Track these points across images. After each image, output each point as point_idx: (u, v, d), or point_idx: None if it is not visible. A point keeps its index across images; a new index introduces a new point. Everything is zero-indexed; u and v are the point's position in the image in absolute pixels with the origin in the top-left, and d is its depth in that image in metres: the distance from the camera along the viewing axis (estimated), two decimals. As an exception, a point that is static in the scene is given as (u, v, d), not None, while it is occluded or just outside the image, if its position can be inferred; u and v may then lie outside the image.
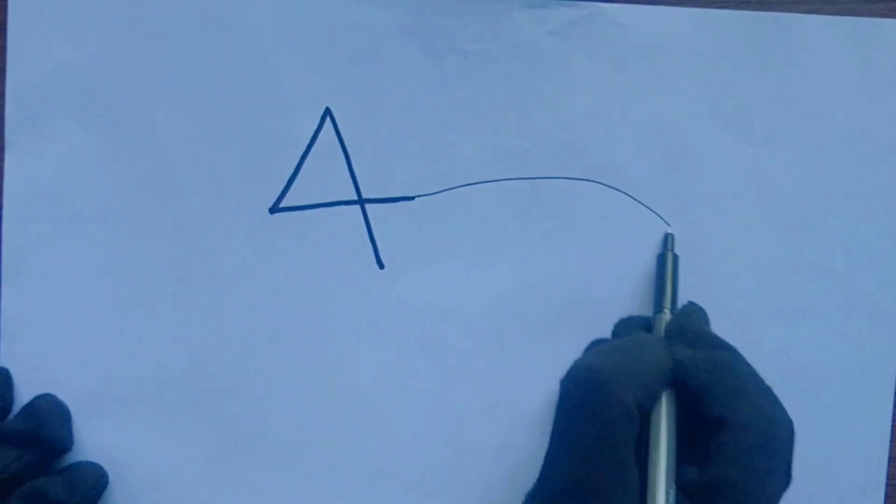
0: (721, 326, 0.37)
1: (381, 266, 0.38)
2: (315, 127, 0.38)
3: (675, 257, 0.36)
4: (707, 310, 0.35)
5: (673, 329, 0.32)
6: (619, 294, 0.37)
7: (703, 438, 0.29)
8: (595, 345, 0.35)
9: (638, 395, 0.29)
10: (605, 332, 0.36)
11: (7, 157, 0.37)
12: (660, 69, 0.38)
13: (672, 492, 0.29)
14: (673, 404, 0.31)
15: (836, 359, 0.37)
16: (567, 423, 0.29)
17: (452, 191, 0.38)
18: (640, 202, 0.38)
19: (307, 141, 0.38)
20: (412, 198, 0.38)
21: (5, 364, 0.37)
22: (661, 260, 0.36)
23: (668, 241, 0.36)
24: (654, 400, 0.30)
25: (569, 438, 0.29)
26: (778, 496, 0.29)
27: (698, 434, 0.30)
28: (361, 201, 0.38)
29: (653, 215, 0.38)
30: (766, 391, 0.30)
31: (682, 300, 0.35)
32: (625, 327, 0.35)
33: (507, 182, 0.38)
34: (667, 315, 0.34)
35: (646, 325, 0.35)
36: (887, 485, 0.37)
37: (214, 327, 0.37)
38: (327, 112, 0.38)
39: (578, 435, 0.29)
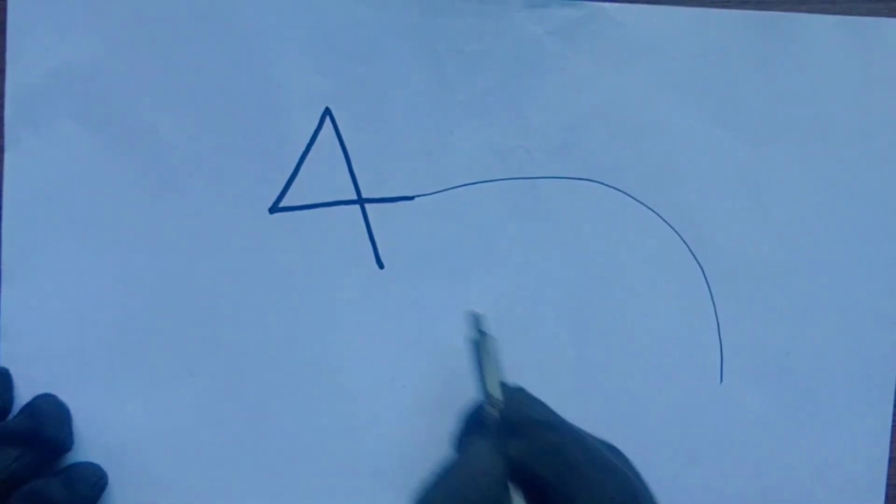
0: (721, 326, 0.37)
1: (381, 266, 0.38)
2: (315, 127, 0.38)
3: (492, 339, 0.33)
4: (707, 310, 0.35)
5: (502, 426, 0.32)
6: (619, 294, 0.37)
7: None
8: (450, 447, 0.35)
9: None
10: (605, 332, 0.36)
11: (7, 157, 0.37)
12: (660, 69, 0.38)
13: None
14: (521, 501, 0.30)
15: (836, 359, 0.37)
16: None
17: (452, 191, 0.38)
18: (640, 202, 0.38)
19: (307, 141, 0.38)
20: (412, 198, 0.38)
21: (5, 364, 0.37)
22: (475, 346, 0.33)
23: (477, 322, 0.34)
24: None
25: None
26: None
27: None
28: (361, 201, 0.38)
29: (653, 215, 0.38)
30: (595, 459, 0.30)
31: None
32: (465, 422, 0.34)
33: (506, 182, 0.38)
34: (494, 410, 0.32)
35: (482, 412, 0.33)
36: (887, 485, 0.37)
37: (214, 327, 0.37)
38: (327, 112, 0.38)
39: None
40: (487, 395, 0.32)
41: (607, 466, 0.30)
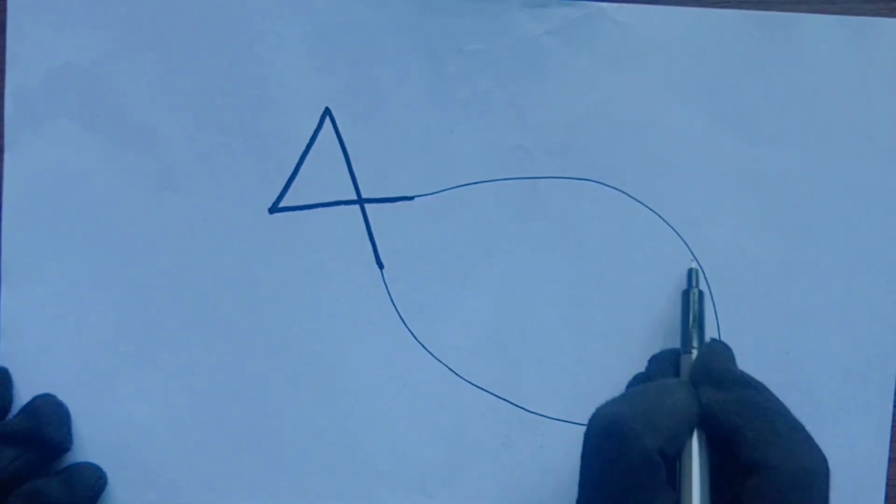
0: (721, 326, 0.37)
1: (381, 266, 0.38)
2: (315, 127, 0.38)
3: (701, 294, 0.35)
4: (707, 310, 0.35)
5: (698, 371, 0.32)
6: (619, 294, 0.37)
7: (737, 480, 0.29)
8: (631, 384, 0.35)
9: (660, 442, 0.29)
10: (605, 332, 0.36)
11: (7, 157, 0.37)
12: (660, 69, 0.38)
13: None
14: (704, 448, 0.30)
15: (836, 359, 0.37)
16: (591, 472, 0.29)
17: (452, 191, 0.38)
18: (640, 202, 0.38)
19: (307, 141, 0.38)
20: (411, 198, 0.38)
21: (5, 364, 0.37)
22: (685, 297, 0.35)
23: (692, 277, 0.35)
24: (680, 446, 0.30)
25: (594, 488, 0.29)
26: None
27: (733, 475, 0.30)
28: (361, 201, 0.38)
29: (653, 215, 0.38)
30: (798, 429, 0.30)
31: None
32: (656, 363, 0.34)
33: (507, 182, 0.38)
34: (693, 355, 0.33)
35: (677, 359, 0.34)
36: (887, 485, 0.37)
37: (214, 327, 0.37)
38: (327, 112, 0.38)
39: (603, 485, 0.29)
40: (688, 342, 0.33)
41: (807, 438, 0.30)
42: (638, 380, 0.35)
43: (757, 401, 0.30)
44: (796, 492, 0.28)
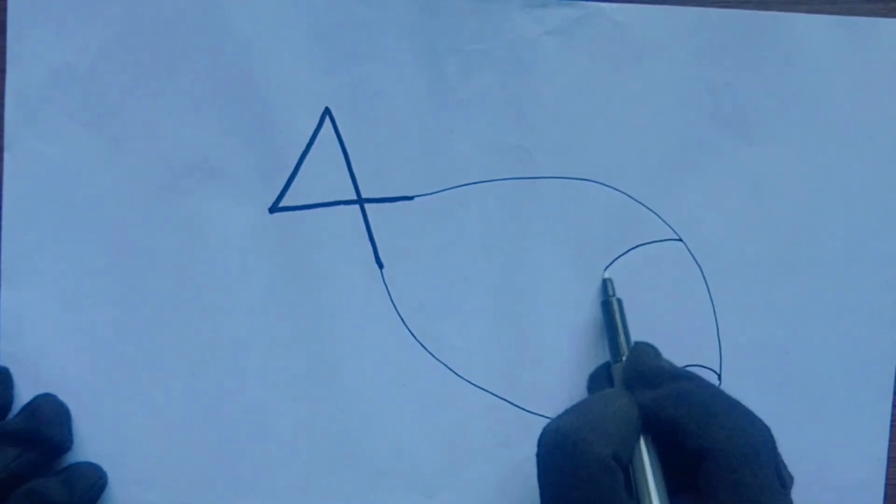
0: (721, 326, 0.37)
1: (381, 266, 0.38)
2: (315, 127, 0.38)
3: (619, 302, 0.36)
4: (707, 310, 0.35)
5: (630, 375, 0.33)
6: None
7: (689, 471, 0.30)
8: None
9: (612, 448, 0.29)
10: (604, 331, 0.36)
11: (7, 157, 0.37)
12: (660, 69, 0.38)
13: None
14: (653, 448, 0.31)
15: (836, 358, 0.37)
16: (550, 488, 0.30)
17: (452, 191, 0.38)
18: (640, 202, 0.38)
19: (307, 141, 0.38)
20: (411, 198, 0.38)
21: (5, 364, 0.37)
22: (605, 307, 0.36)
23: (608, 286, 0.36)
24: (630, 449, 0.30)
25: (556, 502, 0.29)
26: (783, 499, 0.29)
27: (684, 467, 0.30)
28: (361, 201, 0.38)
29: (653, 215, 0.38)
30: (734, 407, 0.30)
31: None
32: (594, 381, 0.36)
33: (506, 182, 0.38)
34: (619, 365, 0.34)
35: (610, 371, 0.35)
36: (887, 485, 0.37)
37: (214, 327, 0.37)
38: (327, 112, 0.38)
39: (564, 499, 0.29)
40: (617, 352, 0.34)
41: (745, 412, 0.30)
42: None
43: (688, 389, 0.31)
44: (746, 466, 0.28)
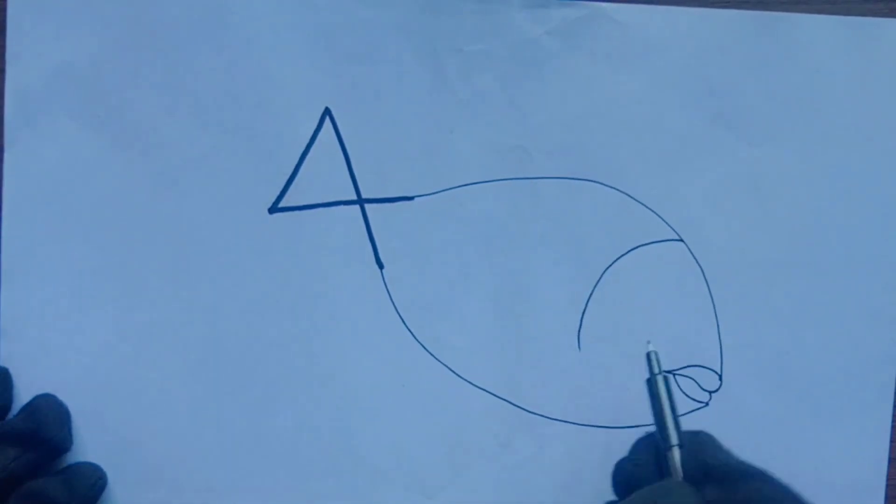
0: (721, 326, 0.37)
1: (381, 266, 0.38)
2: (315, 127, 0.38)
3: (666, 378, 0.32)
4: (707, 310, 0.35)
5: (693, 468, 0.31)
6: (619, 294, 0.37)
7: None
8: (617, 470, 0.33)
9: None
10: (605, 332, 0.36)
11: (7, 157, 0.37)
12: (660, 69, 0.38)
13: None
14: None
15: (836, 359, 0.37)
16: None
17: (452, 191, 0.38)
18: (640, 202, 0.38)
19: (307, 141, 0.38)
20: (412, 198, 0.38)
21: (5, 364, 0.37)
22: (651, 386, 0.32)
23: (652, 361, 0.33)
24: None
25: None
26: None
27: None
28: (361, 201, 0.38)
29: (653, 215, 0.38)
30: None
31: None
32: (642, 453, 0.33)
33: (506, 182, 0.38)
34: (676, 450, 0.31)
35: (657, 447, 0.32)
36: (887, 485, 0.37)
37: (214, 327, 0.37)
38: (327, 112, 0.38)
39: None
40: (666, 435, 0.31)
41: None
42: (623, 466, 0.33)
43: (764, 492, 0.29)
44: None
